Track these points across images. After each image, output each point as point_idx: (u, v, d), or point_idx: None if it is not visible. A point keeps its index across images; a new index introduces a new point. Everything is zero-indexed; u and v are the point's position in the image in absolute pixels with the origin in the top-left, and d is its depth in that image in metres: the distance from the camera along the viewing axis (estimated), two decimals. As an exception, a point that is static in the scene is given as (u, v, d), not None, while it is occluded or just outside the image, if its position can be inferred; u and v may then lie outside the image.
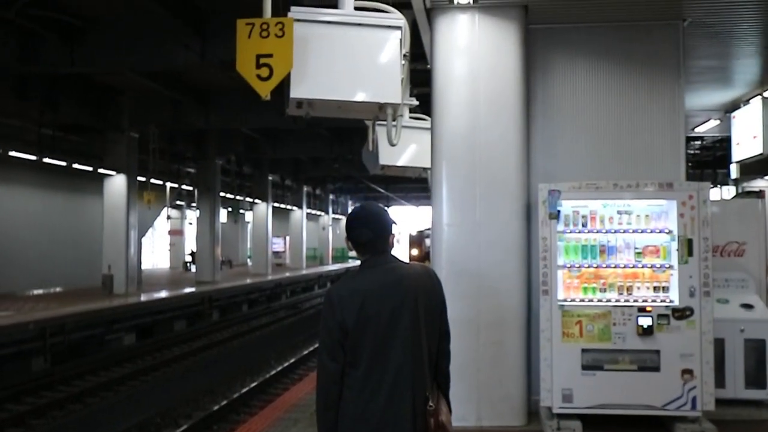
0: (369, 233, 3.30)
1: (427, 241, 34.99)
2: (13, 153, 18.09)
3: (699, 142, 23.49)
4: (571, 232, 6.68)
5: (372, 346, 3.18)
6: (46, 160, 19.10)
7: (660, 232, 6.61)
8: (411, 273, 3.31)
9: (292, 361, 16.15)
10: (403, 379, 3.19)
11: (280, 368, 15.34)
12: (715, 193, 27.98)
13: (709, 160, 26.61)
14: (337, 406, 3.21)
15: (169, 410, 11.88)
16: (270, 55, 4.93)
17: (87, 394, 13.04)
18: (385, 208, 3.52)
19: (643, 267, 6.62)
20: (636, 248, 6.65)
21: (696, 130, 14.43)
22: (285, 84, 5.24)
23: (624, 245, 6.66)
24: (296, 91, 5.09)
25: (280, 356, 17.18)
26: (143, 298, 20.81)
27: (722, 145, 21.59)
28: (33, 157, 18.70)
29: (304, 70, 5.08)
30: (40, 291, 22.19)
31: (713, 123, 13.44)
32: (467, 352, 6.73)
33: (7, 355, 13.91)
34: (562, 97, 7.47)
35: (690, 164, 26.86)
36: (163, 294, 22.33)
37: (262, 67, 4.90)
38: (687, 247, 6.49)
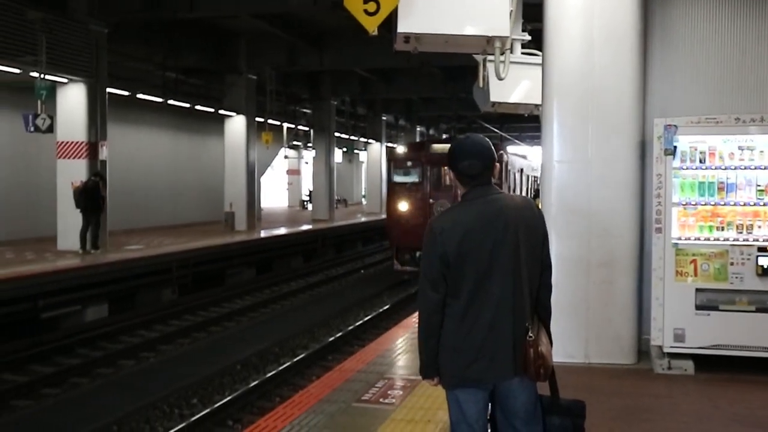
0: (480, 165, 3.32)
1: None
2: (140, 95, 19.00)
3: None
4: (687, 169, 6.45)
5: (473, 277, 3.23)
6: (171, 101, 19.97)
7: (785, 168, 6.27)
8: (512, 205, 3.32)
9: (403, 296, 16.46)
10: (504, 310, 3.23)
11: (391, 303, 15.69)
12: None
13: None
14: (438, 335, 3.29)
15: (287, 340, 12.46)
16: (377, -10, 4.94)
17: (210, 323, 13.84)
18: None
19: (765, 205, 6.33)
20: (758, 185, 6.35)
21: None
22: (393, 19, 5.25)
23: (745, 182, 6.37)
24: (403, 26, 5.10)
25: (392, 292, 17.55)
26: (263, 234, 21.65)
27: None
28: (159, 99, 19.59)
29: (412, 4, 5.07)
30: (167, 227, 23.42)
31: None
32: (577, 290, 6.68)
33: (140, 286, 14.92)
34: (681, 26, 7.09)
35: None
36: (282, 231, 23.15)
37: (369, 2, 4.92)
38: (815, 184, 6.13)
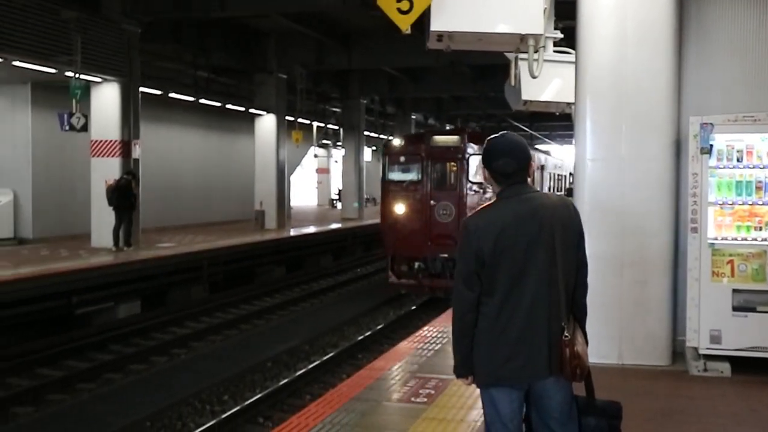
0: (514, 164, 3.29)
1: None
2: (172, 95, 19.18)
3: None
4: (724, 168, 6.35)
5: (508, 276, 3.20)
6: (202, 100, 20.14)
7: (826, 167, 6.15)
8: (547, 204, 3.29)
9: (432, 296, 16.40)
10: (539, 309, 3.21)
11: (420, 303, 15.66)
12: None
13: None
14: (473, 334, 3.27)
15: (317, 338, 12.50)
16: (410, -12, 4.94)
17: (241, 321, 13.94)
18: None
19: (804, 205, 6.21)
20: (798, 185, 6.23)
21: None
22: (425, 18, 5.24)
23: (784, 182, 6.25)
24: (436, 24, 5.10)
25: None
26: (292, 233, 21.75)
27: None
28: (191, 98, 19.76)
29: (445, 2, 5.05)
30: (198, 225, 23.60)
31: None
32: (610, 290, 6.60)
33: (172, 283, 15.06)
34: (717, 19, 6.95)
35: None
36: (311, 229, 23.23)
37: (402, 0, 4.92)
38: None
